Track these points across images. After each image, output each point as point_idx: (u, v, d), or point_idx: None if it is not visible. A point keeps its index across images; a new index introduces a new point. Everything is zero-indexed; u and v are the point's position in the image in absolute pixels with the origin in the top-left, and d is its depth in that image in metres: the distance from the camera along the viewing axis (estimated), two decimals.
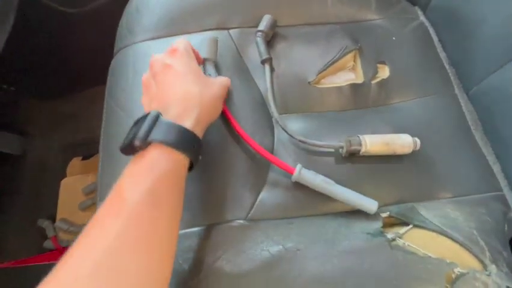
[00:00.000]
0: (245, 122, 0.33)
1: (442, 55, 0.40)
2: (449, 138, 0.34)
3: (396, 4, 0.43)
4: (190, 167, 0.26)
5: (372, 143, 0.31)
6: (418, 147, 0.31)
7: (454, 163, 0.33)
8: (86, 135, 0.75)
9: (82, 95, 0.75)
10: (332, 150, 0.32)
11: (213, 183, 0.31)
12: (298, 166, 0.30)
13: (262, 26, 0.37)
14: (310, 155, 0.33)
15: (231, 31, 0.39)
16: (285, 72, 0.37)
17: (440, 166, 0.33)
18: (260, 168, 0.32)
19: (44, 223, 0.68)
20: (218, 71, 0.35)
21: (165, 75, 0.27)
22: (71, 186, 0.71)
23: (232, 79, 0.35)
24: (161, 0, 0.40)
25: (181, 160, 0.24)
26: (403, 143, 0.31)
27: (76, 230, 0.67)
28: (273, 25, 0.38)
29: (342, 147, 0.31)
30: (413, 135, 0.32)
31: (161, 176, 0.22)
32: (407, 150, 0.31)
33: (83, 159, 0.74)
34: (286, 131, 0.33)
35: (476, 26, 0.36)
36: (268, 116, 0.35)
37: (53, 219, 0.68)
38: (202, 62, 0.34)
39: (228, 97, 0.34)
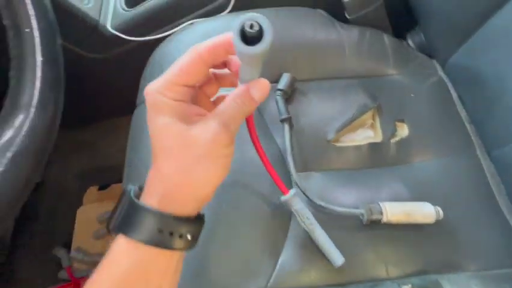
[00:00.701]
0: (263, 179, 0.33)
1: (462, 113, 0.40)
2: (472, 204, 0.34)
3: (414, 59, 0.43)
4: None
5: (394, 212, 0.31)
6: (441, 217, 0.31)
7: (478, 232, 0.32)
8: (103, 163, 0.77)
9: (101, 125, 0.77)
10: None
11: (229, 248, 0.31)
12: (292, 190, 0.30)
13: (282, 84, 0.38)
14: (329, 218, 0.32)
15: None
16: (304, 129, 0.38)
17: (463, 235, 0.32)
18: (279, 226, 0.32)
19: (59, 252, 0.69)
20: None
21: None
22: (87, 214, 0.72)
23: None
24: None
25: (157, 253, 0.19)
26: (425, 214, 0.31)
27: (89, 259, 0.68)
28: (293, 83, 0.39)
29: (362, 215, 0.31)
30: (433, 200, 0.32)
31: (129, 272, 0.18)
32: (429, 220, 0.31)
33: (100, 189, 0.75)
34: (305, 194, 0.33)
35: (499, 85, 0.36)
36: (287, 174, 0.35)
37: (68, 247, 0.70)
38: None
39: (245, 154, 0.30)
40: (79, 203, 0.74)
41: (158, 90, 0.19)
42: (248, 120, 0.23)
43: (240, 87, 0.19)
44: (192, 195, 0.19)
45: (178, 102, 0.19)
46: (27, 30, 0.16)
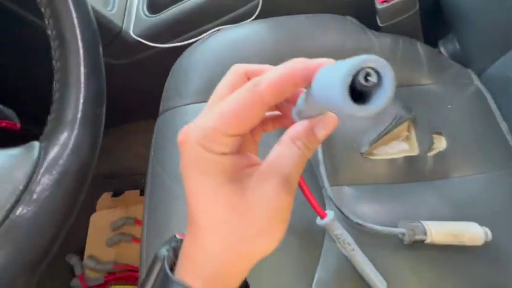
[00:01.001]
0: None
1: (503, 125, 0.38)
2: None
3: (449, 68, 0.41)
4: None
5: (438, 233, 0.29)
6: (489, 239, 0.29)
7: None
8: (117, 169, 0.76)
9: (117, 130, 0.77)
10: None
11: (261, 275, 0.29)
12: (331, 213, 0.28)
13: None
14: (366, 237, 0.31)
15: None
16: (335, 141, 0.36)
17: (509, 259, 0.30)
18: (312, 248, 0.30)
19: (72, 259, 0.68)
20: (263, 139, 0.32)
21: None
22: (100, 221, 0.71)
23: None
24: (210, 63, 0.40)
25: None
26: (472, 235, 0.29)
27: (102, 267, 0.67)
28: None
29: (403, 234, 0.29)
30: (475, 218, 0.30)
31: None
32: (477, 242, 0.29)
33: (114, 195, 0.74)
34: (341, 211, 0.31)
35: None
36: (319, 188, 0.34)
37: (81, 254, 0.69)
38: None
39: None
40: (93, 208, 0.73)
41: (200, 142, 0.14)
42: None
43: (299, 126, 0.14)
44: (244, 272, 0.16)
45: (227, 156, 0.14)
46: (71, 40, 0.16)
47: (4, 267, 0.11)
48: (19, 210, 0.12)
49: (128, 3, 0.50)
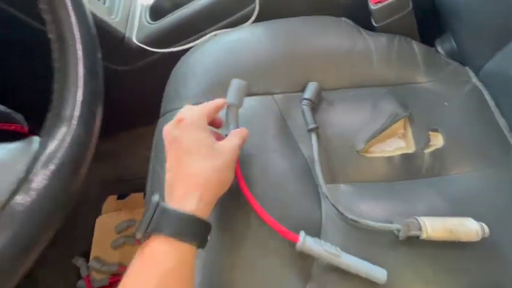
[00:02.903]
0: (286, 190, 0.32)
1: (501, 121, 0.37)
2: None
3: (446, 65, 0.41)
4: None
5: (434, 228, 0.28)
6: (486, 234, 0.29)
7: None
8: (124, 173, 0.78)
9: (123, 135, 0.78)
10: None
11: (253, 275, 0.29)
12: (302, 234, 0.28)
13: (308, 94, 0.37)
14: (362, 234, 0.31)
15: (275, 96, 0.39)
16: (331, 139, 0.36)
17: (509, 253, 0.29)
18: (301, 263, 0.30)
19: (79, 261, 0.69)
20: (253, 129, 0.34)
21: (173, 149, 0.27)
22: (106, 224, 0.73)
23: (275, 145, 0.35)
24: (208, 67, 0.41)
25: (186, 248, 0.23)
26: (469, 231, 0.28)
27: (107, 269, 0.68)
28: (319, 92, 0.38)
29: (399, 230, 0.29)
30: (474, 215, 0.30)
31: (166, 271, 0.21)
32: (474, 238, 0.29)
33: (119, 198, 0.76)
34: (337, 208, 0.31)
35: None
36: (314, 186, 0.34)
37: (88, 256, 0.70)
38: (220, 126, 0.33)
39: (269, 163, 0.33)
40: (99, 212, 0.75)
41: (197, 116, 0.28)
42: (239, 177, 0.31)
43: (237, 130, 0.31)
44: (218, 194, 0.27)
45: (208, 126, 0.29)
46: (71, 43, 0.17)
47: (2, 251, 0.12)
48: (19, 198, 0.13)
49: (131, 11, 0.52)
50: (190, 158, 0.26)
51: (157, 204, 0.23)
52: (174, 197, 0.24)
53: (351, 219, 0.30)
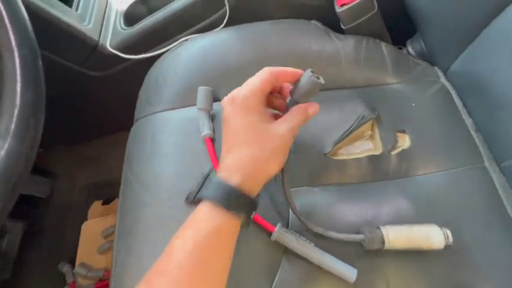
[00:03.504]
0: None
1: (468, 121, 0.38)
2: (482, 221, 0.32)
3: (414, 66, 0.42)
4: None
5: (396, 239, 0.28)
6: (450, 242, 0.29)
7: (490, 251, 0.30)
8: (107, 178, 0.78)
9: (105, 140, 0.78)
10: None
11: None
12: (278, 225, 0.29)
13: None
14: (329, 243, 0.30)
15: None
16: (299, 142, 0.37)
17: (474, 256, 0.30)
18: (273, 245, 0.30)
19: (64, 268, 0.69)
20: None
21: (224, 125, 0.27)
22: (91, 229, 0.73)
23: None
24: (179, 72, 0.41)
25: (229, 218, 0.24)
26: (431, 240, 0.28)
27: (93, 275, 0.68)
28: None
29: (363, 241, 0.29)
30: (439, 216, 0.30)
31: (209, 235, 0.23)
32: (437, 247, 0.29)
33: (104, 203, 0.76)
34: (302, 221, 0.30)
35: (503, 93, 0.34)
36: (280, 191, 0.34)
37: (74, 262, 0.70)
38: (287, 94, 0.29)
39: None
40: (84, 217, 0.75)
41: (247, 96, 0.26)
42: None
43: (300, 106, 0.28)
44: (263, 179, 0.26)
45: (262, 106, 0.27)
46: (8, 55, 0.17)
47: None
48: None
49: (105, 17, 0.52)
50: (235, 144, 0.26)
51: (208, 174, 0.27)
52: (223, 170, 0.25)
53: (316, 232, 0.30)
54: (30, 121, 0.17)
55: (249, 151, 0.25)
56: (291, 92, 0.28)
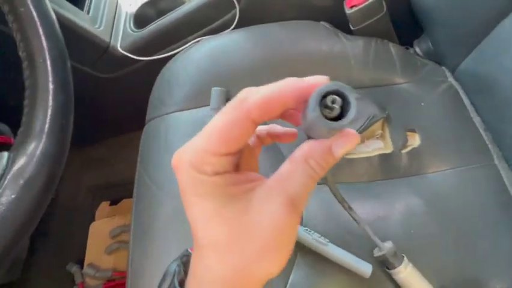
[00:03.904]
0: None
1: (476, 119, 0.38)
2: (492, 216, 0.32)
3: (422, 66, 0.42)
4: None
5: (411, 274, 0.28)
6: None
7: (499, 246, 0.31)
8: (115, 179, 0.79)
9: (112, 141, 0.79)
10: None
11: None
12: None
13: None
14: (342, 240, 0.31)
15: None
16: None
17: (483, 250, 0.30)
18: None
19: (73, 268, 0.70)
20: None
21: (184, 203, 0.16)
22: (99, 230, 0.73)
23: None
24: (191, 74, 0.42)
25: None
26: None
27: (101, 275, 0.68)
28: None
29: (384, 254, 0.28)
30: (450, 212, 0.31)
31: None
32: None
33: (111, 204, 0.76)
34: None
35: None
36: None
37: (82, 262, 0.70)
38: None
39: None
40: (92, 218, 0.75)
41: (193, 164, 0.13)
42: None
43: (316, 142, 0.13)
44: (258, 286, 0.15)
45: (221, 175, 0.13)
46: (40, 60, 0.17)
47: None
48: None
49: (115, 19, 0.53)
50: (204, 245, 0.14)
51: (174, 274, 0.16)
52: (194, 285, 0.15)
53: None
54: (61, 121, 0.17)
55: (226, 259, 0.14)
56: (303, 116, 0.14)
